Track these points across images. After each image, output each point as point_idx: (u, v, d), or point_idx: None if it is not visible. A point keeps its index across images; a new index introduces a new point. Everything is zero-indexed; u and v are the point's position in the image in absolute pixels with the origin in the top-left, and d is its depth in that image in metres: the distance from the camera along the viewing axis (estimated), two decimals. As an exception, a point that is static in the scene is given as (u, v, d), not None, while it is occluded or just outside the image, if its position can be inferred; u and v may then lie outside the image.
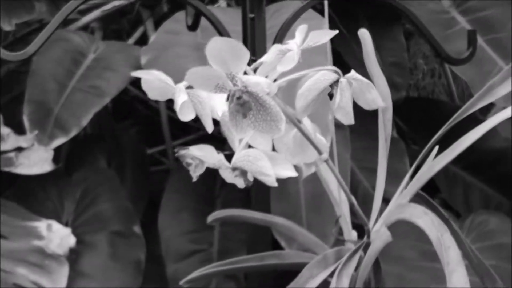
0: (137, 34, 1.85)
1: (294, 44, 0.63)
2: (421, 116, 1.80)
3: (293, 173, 0.61)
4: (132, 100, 1.94)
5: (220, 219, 0.84)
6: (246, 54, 0.56)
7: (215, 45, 0.55)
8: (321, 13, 1.41)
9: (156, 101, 1.82)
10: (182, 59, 1.46)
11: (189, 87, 0.63)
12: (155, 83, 0.64)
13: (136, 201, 1.57)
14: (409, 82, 2.18)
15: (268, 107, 0.57)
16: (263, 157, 0.59)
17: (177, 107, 0.61)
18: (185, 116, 0.62)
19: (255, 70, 0.62)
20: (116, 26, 1.95)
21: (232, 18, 1.26)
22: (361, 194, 1.53)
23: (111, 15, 1.80)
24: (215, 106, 0.64)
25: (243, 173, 0.60)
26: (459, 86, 2.14)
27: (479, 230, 1.43)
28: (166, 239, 1.48)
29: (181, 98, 0.61)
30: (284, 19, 1.23)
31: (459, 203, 1.67)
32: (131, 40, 1.84)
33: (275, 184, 0.59)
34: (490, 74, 1.36)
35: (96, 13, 1.75)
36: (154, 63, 1.46)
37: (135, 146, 1.72)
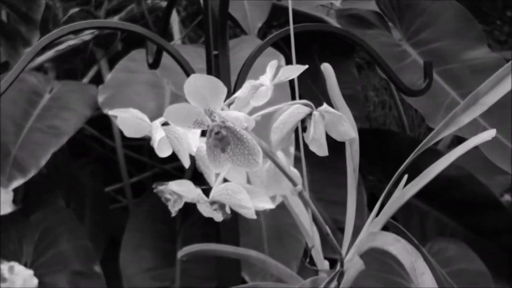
0: (91, 73, 1.85)
1: (267, 79, 0.65)
2: (375, 147, 1.83)
3: (270, 205, 0.62)
4: (87, 138, 1.93)
5: (191, 254, 0.85)
6: (224, 90, 0.57)
7: (194, 82, 0.56)
8: (277, 49, 1.43)
9: (112, 140, 1.82)
10: (140, 97, 1.47)
11: (165, 124, 0.64)
12: (131, 120, 0.65)
13: (96, 240, 1.56)
14: (361, 114, 2.22)
15: (245, 141, 0.58)
16: (241, 190, 0.60)
17: (155, 143, 0.62)
18: (163, 152, 0.63)
19: (229, 106, 0.63)
20: (70, 66, 1.95)
21: (191, 56, 1.27)
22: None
23: (65, 54, 1.80)
24: (189, 141, 0.65)
25: (222, 206, 0.61)
26: (409, 117, 2.18)
27: (438, 257, 1.45)
28: (128, 277, 1.47)
29: (158, 135, 0.62)
30: (243, 55, 1.25)
31: (414, 230, 1.69)
32: (85, 79, 1.84)
33: (254, 217, 0.60)
34: (443, 105, 1.40)
35: (50, 53, 1.75)
36: (111, 102, 1.47)
37: (93, 185, 1.71)
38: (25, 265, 1.44)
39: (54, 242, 1.49)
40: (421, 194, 1.74)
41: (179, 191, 0.62)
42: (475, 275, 1.47)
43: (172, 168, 1.91)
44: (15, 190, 1.45)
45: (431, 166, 0.70)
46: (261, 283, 0.73)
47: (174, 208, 0.62)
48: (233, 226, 0.93)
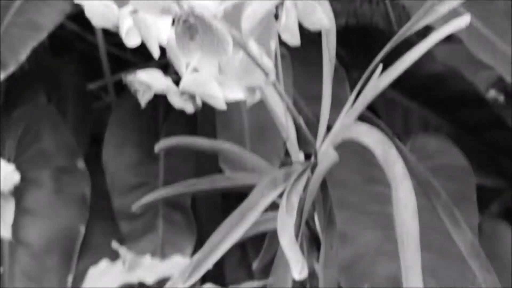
0: (71, -33, 1.81)
1: (238, -34, 0.63)
2: (360, 43, 1.81)
3: (241, 96, 0.61)
4: (69, 35, 1.91)
5: (167, 147, 0.85)
6: (191, -24, 0.55)
7: (160, -33, 0.55)
8: None
9: (94, 36, 1.79)
10: (120, -10, 1.44)
11: (134, 12, 0.62)
12: (98, 9, 0.63)
13: (79, 137, 1.56)
14: (348, 9, 2.19)
15: (214, 29, 0.57)
16: (211, 80, 0.59)
17: (123, 32, 0.61)
18: (131, 41, 0.62)
19: (199, -6, 0.62)
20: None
21: None
22: (303, 120, 1.55)
23: None
24: (160, 31, 0.64)
25: (192, 97, 0.61)
26: (396, 13, 2.15)
27: (419, 152, 1.46)
28: (111, 174, 1.47)
29: (126, 23, 0.61)
30: None
31: (398, 127, 1.70)
32: (65, -26, 1.80)
33: (224, 107, 0.59)
34: (428, -2, 1.37)
35: None
36: (91, -4, 1.43)
37: (75, 81, 1.70)
38: (8, 161, 1.44)
39: (36, 137, 1.49)
40: (405, 90, 1.74)
41: (148, 81, 0.61)
42: (457, 169, 1.48)
43: (156, 65, 1.89)
44: (-5, 87, 1.44)
45: (405, 55, 0.68)
46: (232, 174, 0.73)
47: (143, 99, 0.62)
48: (210, 121, 0.93)
